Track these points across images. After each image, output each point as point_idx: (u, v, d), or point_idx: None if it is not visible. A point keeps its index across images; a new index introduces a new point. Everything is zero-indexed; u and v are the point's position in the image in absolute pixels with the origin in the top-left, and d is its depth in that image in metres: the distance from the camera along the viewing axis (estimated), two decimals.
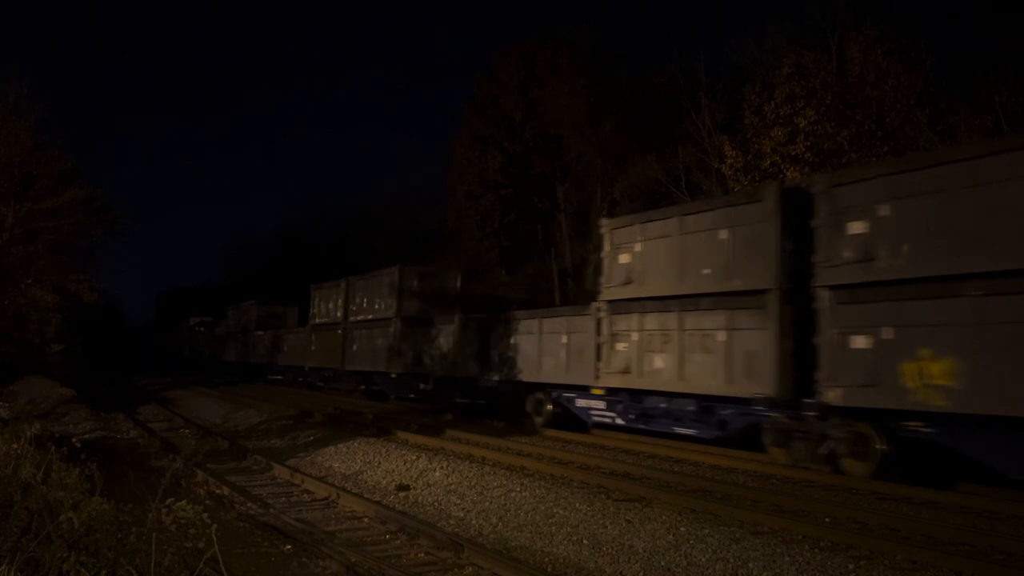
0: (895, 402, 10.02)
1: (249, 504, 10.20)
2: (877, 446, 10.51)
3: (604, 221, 15.67)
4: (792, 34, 23.97)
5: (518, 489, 10.27)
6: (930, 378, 9.63)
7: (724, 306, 12.49)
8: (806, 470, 11.30)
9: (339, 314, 28.54)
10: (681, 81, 28.11)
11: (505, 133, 34.29)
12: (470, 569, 7.54)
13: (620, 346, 14.39)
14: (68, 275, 26.90)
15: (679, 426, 13.55)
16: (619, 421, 14.81)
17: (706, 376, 12.71)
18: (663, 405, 13.73)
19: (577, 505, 9.36)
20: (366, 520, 9.56)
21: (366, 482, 12.25)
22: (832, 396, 10.76)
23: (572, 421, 16.37)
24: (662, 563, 7.68)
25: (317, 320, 31.05)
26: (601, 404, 15.23)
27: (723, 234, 12.47)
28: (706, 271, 12.69)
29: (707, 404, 12.89)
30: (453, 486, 11.06)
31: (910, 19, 22.51)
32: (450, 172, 36.40)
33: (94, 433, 16.84)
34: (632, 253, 14.32)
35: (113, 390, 31.61)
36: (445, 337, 21.04)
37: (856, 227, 10.69)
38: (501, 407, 18.44)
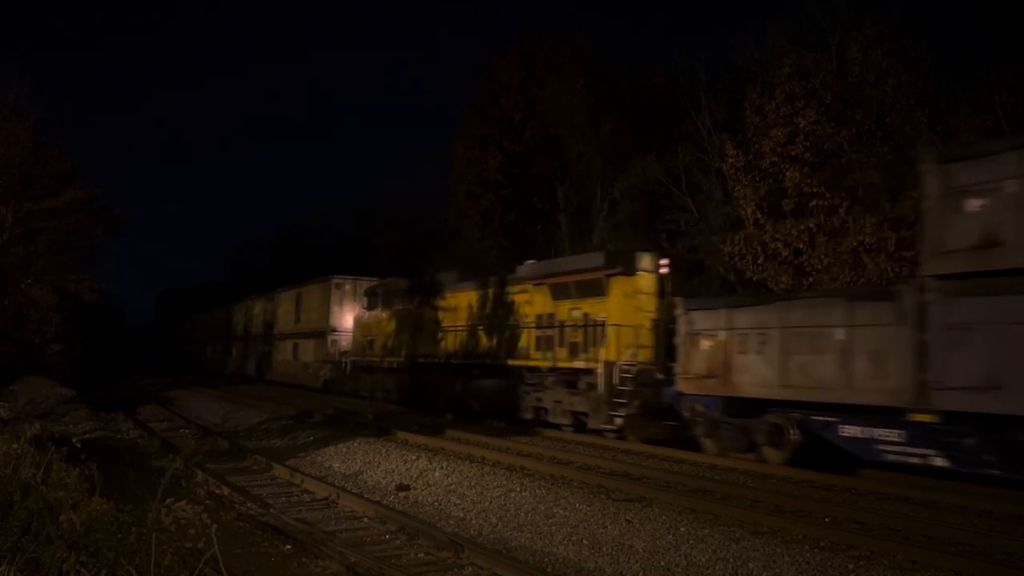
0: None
1: (249, 504, 10.19)
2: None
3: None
4: (792, 34, 23.94)
5: (518, 489, 10.27)
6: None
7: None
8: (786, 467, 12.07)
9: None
10: (681, 81, 28.08)
11: (505, 133, 34.27)
12: (470, 569, 7.53)
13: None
14: (68, 275, 26.94)
15: None
16: None
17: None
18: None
19: (577, 505, 9.36)
20: (366, 520, 9.55)
21: (366, 482, 12.24)
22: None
23: None
24: (662, 563, 7.68)
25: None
26: None
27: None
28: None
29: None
30: (453, 486, 11.06)
31: (910, 19, 22.51)
32: (450, 172, 36.36)
33: (94, 433, 16.82)
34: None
35: (113, 390, 31.60)
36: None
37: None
38: None
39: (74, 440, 12.41)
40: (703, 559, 7.57)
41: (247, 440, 16.67)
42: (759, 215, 22.21)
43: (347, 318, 27.62)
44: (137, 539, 4.41)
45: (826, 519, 8.73)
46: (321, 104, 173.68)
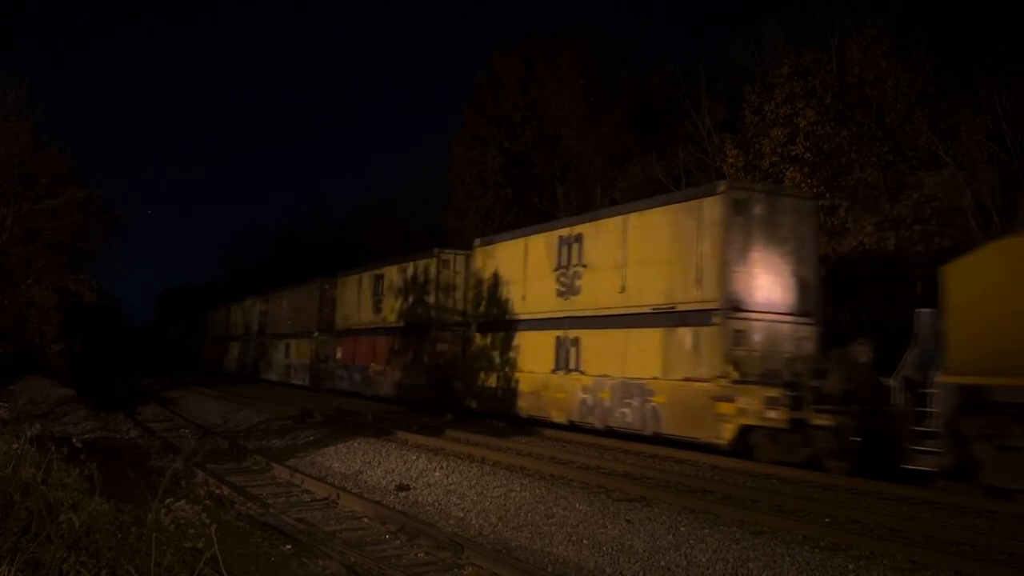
0: None
1: (249, 504, 10.19)
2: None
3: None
4: (792, 34, 24.01)
5: (518, 489, 10.27)
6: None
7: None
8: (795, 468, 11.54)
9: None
10: (681, 81, 28.12)
11: (505, 133, 34.30)
12: (470, 569, 7.53)
13: None
14: (68, 275, 26.96)
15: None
16: None
17: None
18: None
19: (577, 505, 9.35)
20: (366, 520, 9.55)
21: (366, 482, 12.24)
22: None
23: None
24: (662, 563, 7.68)
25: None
26: None
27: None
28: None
29: None
30: (453, 486, 11.05)
31: (910, 19, 22.55)
32: (450, 172, 36.40)
33: (94, 433, 16.82)
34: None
35: (113, 390, 31.59)
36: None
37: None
38: None
39: (74, 440, 12.39)
40: (703, 559, 7.57)
41: (247, 440, 16.66)
42: None
43: (762, 278, 13.34)
44: (137, 539, 4.41)
45: (826, 519, 8.73)
46: (321, 104, 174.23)
